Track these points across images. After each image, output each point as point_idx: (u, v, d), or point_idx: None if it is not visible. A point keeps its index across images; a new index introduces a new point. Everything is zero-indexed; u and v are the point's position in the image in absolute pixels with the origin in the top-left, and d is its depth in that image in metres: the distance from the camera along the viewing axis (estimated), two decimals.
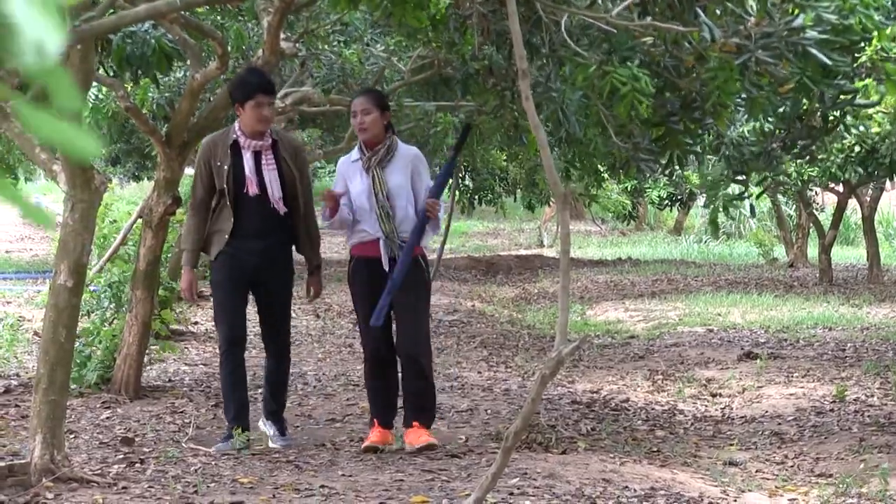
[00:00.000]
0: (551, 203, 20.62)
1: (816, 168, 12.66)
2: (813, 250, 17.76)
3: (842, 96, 5.64)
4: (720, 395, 8.28)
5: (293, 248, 6.13)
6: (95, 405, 6.87)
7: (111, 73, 7.56)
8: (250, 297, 6.17)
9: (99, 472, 5.10)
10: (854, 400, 7.77)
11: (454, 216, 17.43)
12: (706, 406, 7.94)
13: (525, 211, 21.85)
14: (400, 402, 6.10)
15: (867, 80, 6.28)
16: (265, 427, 6.15)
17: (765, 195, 16.83)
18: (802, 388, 8.31)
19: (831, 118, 6.61)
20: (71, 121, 1.02)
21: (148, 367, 7.68)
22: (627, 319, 12.63)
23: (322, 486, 5.06)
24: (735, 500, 5.43)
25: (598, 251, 22.41)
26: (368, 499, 4.86)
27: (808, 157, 7.55)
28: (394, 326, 6.05)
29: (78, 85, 4.95)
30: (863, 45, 5.52)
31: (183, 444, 5.87)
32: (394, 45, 9.08)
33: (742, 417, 7.50)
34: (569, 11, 5.17)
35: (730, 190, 7.67)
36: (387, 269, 5.90)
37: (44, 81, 1.05)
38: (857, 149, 11.84)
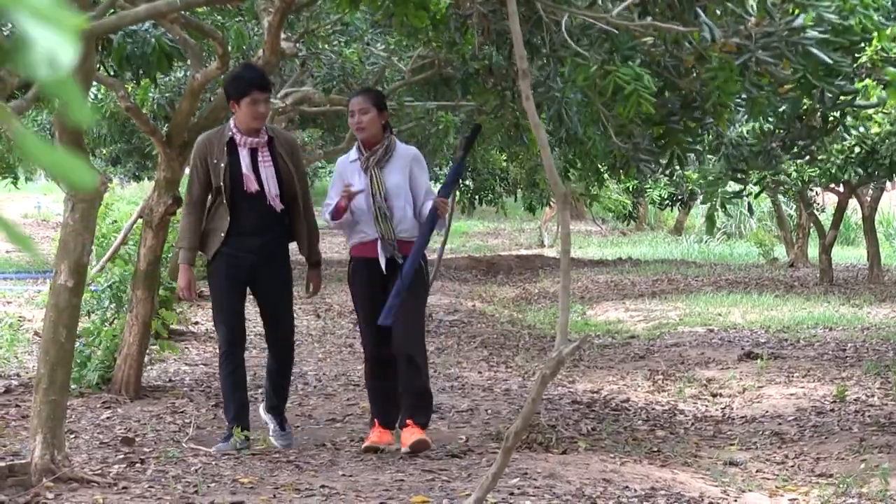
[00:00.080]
0: (552, 203, 20.62)
1: (817, 169, 12.66)
2: (813, 250, 17.76)
3: (842, 97, 5.63)
4: (720, 395, 8.28)
5: (290, 245, 6.12)
6: (96, 405, 6.87)
7: (111, 73, 7.56)
8: (250, 296, 6.16)
9: (99, 472, 5.10)
10: (854, 400, 7.77)
11: (455, 216, 17.43)
12: (706, 406, 7.93)
13: (525, 211, 21.83)
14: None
15: (867, 81, 6.28)
16: (265, 417, 6.15)
17: (765, 195, 16.84)
18: (803, 388, 8.31)
19: (831, 119, 6.61)
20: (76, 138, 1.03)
21: (148, 367, 7.68)
22: (628, 319, 12.62)
23: (322, 486, 5.06)
24: (735, 500, 5.43)
25: (599, 251, 22.41)
26: (369, 499, 4.86)
27: (807, 157, 7.55)
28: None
29: (78, 85, 4.95)
30: (863, 45, 5.52)
31: (183, 444, 5.87)
32: (394, 44, 9.08)
33: (742, 417, 7.50)
34: (569, 11, 5.17)
35: (728, 188, 7.66)
36: (384, 270, 5.89)
37: (56, 94, 1.05)
38: (857, 150, 11.84)
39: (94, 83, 7.83)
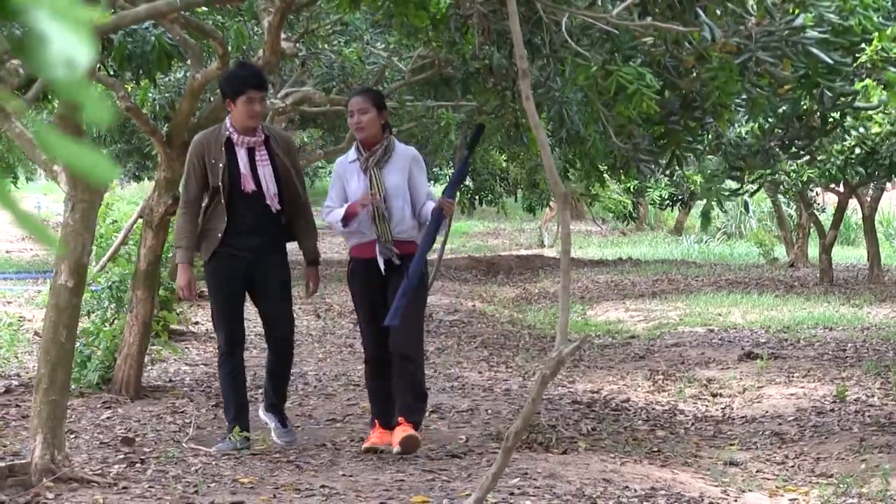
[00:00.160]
0: (552, 204, 20.62)
1: (816, 169, 12.66)
2: (813, 250, 17.75)
3: (841, 98, 5.64)
4: (721, 395, 8.28)
5: (288, 244, 6.09)
6: (96, 405, 6.87)
7: (111, 73, 7.56)
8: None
9: (99, 472, 5.10)
10: (854, 400, 7.77)
11: (455, 216, 17.43)
12: (707, 406, 7.93)
13: (525, 211, 21.85)
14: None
15: (867, 81, 6.29)
16: (265, 417, 6.11)
17: (765, 195, 16.84)
18: (803, 388, 8.31)
19: (831, 119, 6.61)
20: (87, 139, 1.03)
21: (148, 367, 7.68)
22: (628, 319, 12.62)
23: (322, 486, 5.06)
24: (735, 501, 5.43)
25: (599, 251, 22.41)
26: (369, 499, 4.86)
27: (805, 157, 7.56)
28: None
29: None
30: (863, 45, 5.52)
31: (183, 444, 5.87)
32: (394, 43, 9.08)
33: (742, 417, 7.50)
34: (569, 12, 5.17)
35: (726, 185, 7.67)
36: (384, 271, 5.87)
37: (71, 95, 1.05)
38: (857, 150, 11.84)
39: (94, 83, 7.82)
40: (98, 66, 7.15)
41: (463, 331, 11.40)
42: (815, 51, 5.07)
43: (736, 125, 7.12)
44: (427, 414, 6.99)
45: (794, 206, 19.08)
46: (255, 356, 8.43)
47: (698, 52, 5.34)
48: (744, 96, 5.44)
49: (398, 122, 9.71)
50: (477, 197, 19.33)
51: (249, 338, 6.24)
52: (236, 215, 5.89)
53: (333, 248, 20.51)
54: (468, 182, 18.40)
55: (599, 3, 5.25)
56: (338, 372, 8.53)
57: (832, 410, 7.50)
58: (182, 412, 6.80)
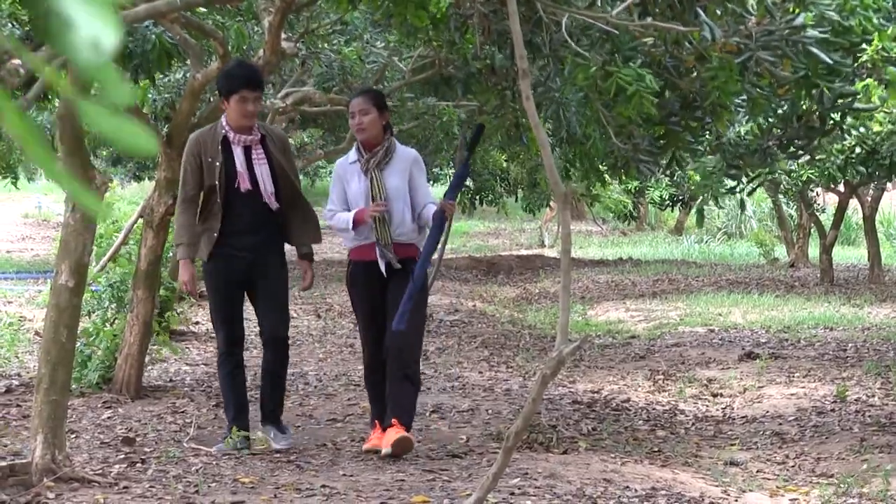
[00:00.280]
0: (552, 204, 20.62)
1: (816, 169, 12.66)
2: (814, 250, 17.75)
3: (841, 98, 5.64)
4: (721, 395, 8.28)
5: (285, 242, 6.04)
6: (96, 405, 6.87)
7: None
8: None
9: (100, 471, 5.10)
10: (855, 400, 7.77)
11: (455, 216, 17.44)
12: (707, 406, 7.94)
13: (526, 211, 21.86)
14: None
15: (868, 80, 6.28)
16: (264, 433, 6.00)
17: (766, 195, 16.83)
18: (803, 388, 8.32)
19: (830, 121, 6.61)
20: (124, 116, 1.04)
21: (149, 367, 7.68)
22: (628, 319, 12.63)
23: (323, 486, 5.06)
24: (736, 501, 5.43)
25: (599, 251, 22.41)
26: (370, 498, 4.86)
27: (804, 157, 7.55)
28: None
29: (79, 87, 4.95)
30: (863, 45, 5.52)
31: (184, 444, 5.87)
32: (394, 42, 9.08)
33: (743, 417, 7.50)
34: (569, 12, 5.17)
35: (723, 183, 7.66)
36: (385, 274, 5.85)
37: (95, 78, 1.06)
38: (857, 150, 11.84)
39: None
40: None
41: (463, 331, 11.40)
42: (815, 50, 5.07)
43: (736, 124, 7.12)
44: (427, 414, 6.99)
45: (795, 207, 19.08)
46: (256, 356, 8.42)
47: (698, 52, 5.34)
48: (744, 96, 5.44)
49: (398, 121, 9.71)
50: (477, 197, 19.33)
51: (249, 337, 6.21)
52: (233, 214, 5.87)
53: (334, 247, 20.51)
54: (468, 182, 18.40)
55: (599, 4, 5.25)
56: (338, 372, 8.53)
57: (833, 410, 7.50)
58: (182, 412, 6.80)
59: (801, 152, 6.79)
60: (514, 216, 28.19)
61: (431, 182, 21.48)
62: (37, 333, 8.95)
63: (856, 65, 5.66)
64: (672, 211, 24.93)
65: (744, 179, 7.73)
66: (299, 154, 16.28)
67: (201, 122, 6.94)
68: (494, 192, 19.45)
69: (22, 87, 5.99)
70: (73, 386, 6.51)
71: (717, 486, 5.66)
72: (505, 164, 18.92)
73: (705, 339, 10.85)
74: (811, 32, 5.07)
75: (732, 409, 7.81)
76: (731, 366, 9.30)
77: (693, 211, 25.16)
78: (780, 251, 19.68)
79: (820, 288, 14.90)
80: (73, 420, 6.32)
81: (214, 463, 5.50)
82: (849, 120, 6.71)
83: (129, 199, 16.36)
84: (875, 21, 5.30)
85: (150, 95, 10.14)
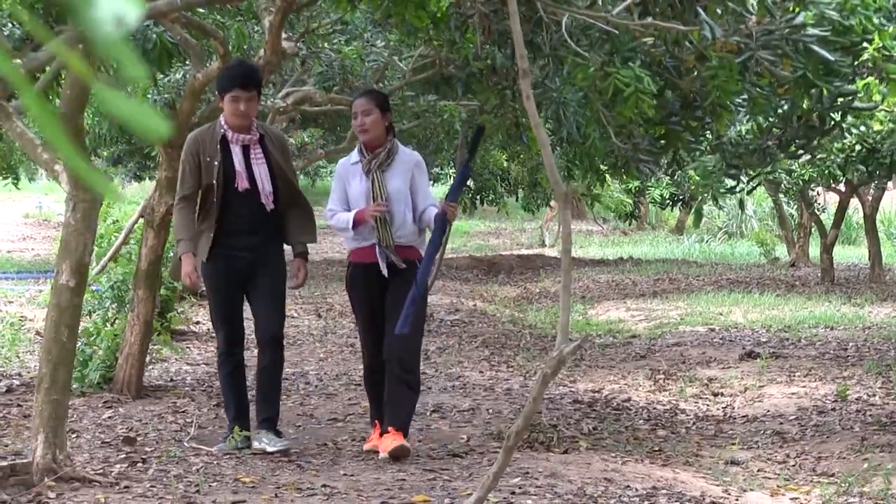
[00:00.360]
0: (552, 204, 20.62)
1: (816, 168, 12.66)
2: (815, 250, 17.75)
3: (840, 98, 5.64)
4: (722, 394, 8.28)
5: (284, 241, 6.01)
6: (97, 405, 6.87)
7: (112, 73, 7.56)
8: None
9: (101, 471, 5.10)
10: (856, 399, 7.77)
11: (456, 217, 17.43)
12: (708, 405, 7.94)
13: (525, 211, 21.87)
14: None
15: (869, 79, 6.28)
16: (258, 440, 5.81)
17: (766, 195, 16.82)
18: (804, 387, 8.32)
19: (830, 120, 6.61)
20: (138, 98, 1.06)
21: (150, 367, 7.68)
22: (629, 319, 12.63)
23: (324, 486, 5.06)
24: (737, 500, 5.43)
25: (600, 250, 22.40)
26: (370, 498, 4.86)
27: (804, 157, 7.55)
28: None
29: (80, 86, 4.95)
30: (864, 45, 5.53)
31: (185, 444, 5.87)
32: (395, 41, 9.08)
33: (744, 417, 7.50)
34: (569, 11, 5.17)
35: (723, 183, 7.65)
36: (385, 275, 5.83)
37: (111, 53, 1.06)
38: (857, 148, 11.84)
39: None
40: (99, 66, 7.15)
41: (464, 330, 11.41)
42: (815, 48, 5.07)
43: (736, 123, 7.12)
44: (428, 413, 6.99)
45: (796, 206, 19.08)
46: (256, 355, 8.42)
47: (699, 52, 5.34)
48: (744, 96, 5.44)
49: (398, 120, 9.71)
50: (478, 196, 19.33)
51: (249, 337, 6.18)
52: (232, 213, 5.85)
53: (334, 247, 20.51)
54: (469, 182, 18.41)
55: (600, 3, 5.25)
56: (339, 371, 8.53)
57: (833, 410, 7.50)
58: (183, 412, 6.81)
59: (800, 152, 6.79)
60: (514, 216, 28.19)
61: (432, 182, 21.44)
62: (38, 333, 8.95)
63: (857, 63, 5.66)
64: (673, 210, 24.91)
65: (744, 179, 7.73)
66: (300, 154, 16.28)
67: (201, 121, 6.95)
68: (495, 191, 19.45)
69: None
70: (74, 385, 6.51)
71: (717, 485, 5.66)
72: (506, 164, 18.92)
73: (706, 339, 10.85)
74: (811, 31, 5.07)
75: (733, 408, 7.81)
76: (732, 365, 9.30)
77: (693, 210, 25.18)
78: (781, 250, 19.68)
79: (821, 287, 14.90)
80: (74, 420, 6.33)
81: (215, 462, 5.50)
82: (849, 119, 6.70)
83: (129, 198, 16.37)
84: (875, 20, 5.31)
85: (149, 96, 10.15)
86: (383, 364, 5.87)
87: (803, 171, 13.20)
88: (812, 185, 15.19)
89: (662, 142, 6.05)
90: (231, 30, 7.88)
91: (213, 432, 6.27)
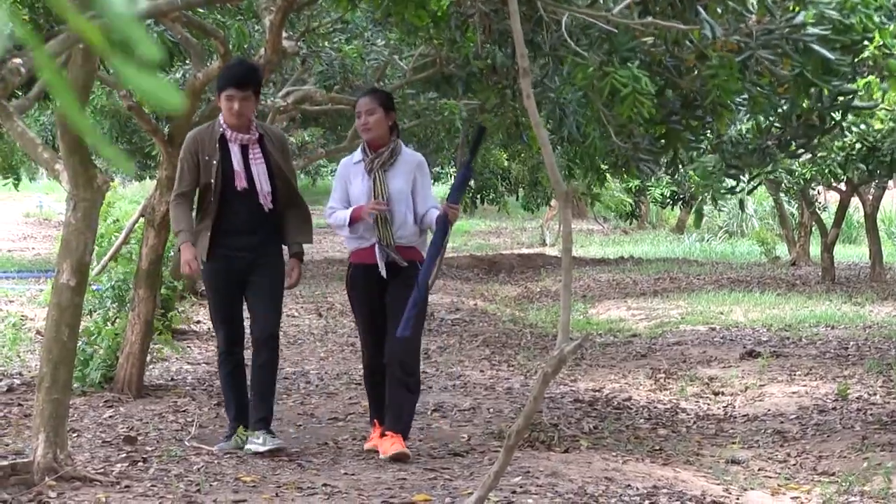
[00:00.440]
0: (553, 203, 20.62)
1: (817, 166, 12.65)
2: (815, 248, 17.75)
3: (840, 97, 5.63)
4: (722, 393, 8.28)
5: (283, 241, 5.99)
6: (98, 404, 6.87)
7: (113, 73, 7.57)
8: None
9: (102, 470, 5.10)
10: (857, 398, 7.77)
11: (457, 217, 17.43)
12: (708, 404, 7.94)
13: (525, 210, 21.88)
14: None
15: (869, 78, 6.28)
16: (253, 446, 5.71)
17: (767, 194, 16.81)
18: (805, 386, 8.32)
19: (830, 119, 6.61)
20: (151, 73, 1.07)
21: (150, 366, 7.68)
22: (630, 318, 12.63)
23: (325, 485, 5.06)
24: (738, 499, 5.43)
25: (601, 250, 22.40)
26: (371, 497, 4.86)
27: (803, 156, 7.55)
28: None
29: (80, 85, 4.95)
30: (864, 43, 5.52)
31: (186, 443, 5.87)
32: (395, 40, 9.08)
33: (744, 416, 7.50)
34: (569, 10, 5.17)
35: (723, 183, 7.64)
36: (384, 275, 5.82)
37: (123, 32, 1.06)
38: (858, 146, 11.83)
39: (97, 82, 7.84)
40: (99, 66, 7.15)
41: (465, 329, 11.41)
42: (815, 48, 5.07)
43: (737, 122, 7.11)
44: (429, 412, 7.00)
45: (796, 205, 19.08)
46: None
47: (699, 51, 5.34)
48: (744, 95, 5.44)
49: (399, 119, 9.71)
50: (479, 196, 19.34)
51: (249, 336, 6.17)
52: (230, 213, 5.84)
53: (335, 246, 20.51)
54: (470, 182, 18.41)
55: (601, 2, 5.25)
56: (339, 370, 8.53)
57: (834, 409, 7.50)
58: (184, 411, 6.81)
59: (801, 151, 6.79)
60: (515, 215, 28.19)
61: (433, 181, 21.46)
62: (38, 332, 8.95)
63: (857, 60, 5.65)
64: (673, 209, 24.92)
65: (744, 178, 7.71)
66: (300, 153, 16.28)
67: (202, 121, 6.95)
68: (496, 190, 19.46)
69: (22, 87, 5.99)
70: (75, 385, 6.52)
71: (718, 484, 5.66)
72: (506, 163, 18.92)
73: (707, 338, 10.85)
74: (811, 31, 5.07)
75: (734, 407, 7.81)
76: (733, 364, 9.30)
77: (693, 210, 25.17)
78: (782, 249, 19.68)
79: (821, 286, 14.90)
80: (75, 419, 6.33)
81: (216, 462, 5.50)
82: (850, 117, 6.70)
83: (130, 198, 16.36)
84: (876, 19, 5.31)
85: None
86: (383, 364, 5.87)
87: (804, 170, 13.20)
88: (813, 184, 15.19)
89: (663, 141, 6.05)
90: (231, 29, 7.88)
91: (214, 431, 6.27)
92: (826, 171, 12.45)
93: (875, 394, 7.91)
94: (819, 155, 11.81)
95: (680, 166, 6.36)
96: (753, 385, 8.42)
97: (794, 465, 6.25)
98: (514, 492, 4.94)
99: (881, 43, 5.57)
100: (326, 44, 9.44)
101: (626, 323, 12.25)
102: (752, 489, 5.65)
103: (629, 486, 5.23)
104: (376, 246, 5.81)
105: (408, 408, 5.86)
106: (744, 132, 7.06)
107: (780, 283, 15.30)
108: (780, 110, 6.36)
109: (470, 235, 26.33)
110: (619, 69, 5.07)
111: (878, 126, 11.27)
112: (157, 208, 7.02)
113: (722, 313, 12.51)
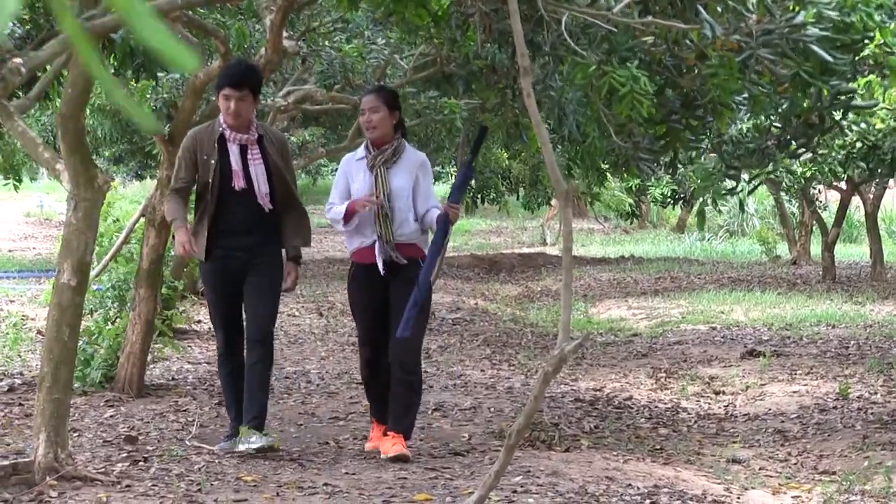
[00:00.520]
0: (553, 202, 20.62)
1: (818, 165, 12.65)
2: (816, 248, 17.75)
3: (839, 96, 5.63)
4: (723, 392, 8.28)
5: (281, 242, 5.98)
6: (99, 403, 6.87)
7: (113, 72, 7.57)
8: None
9: (103, 470, 5.11)
10: (857, 397, 7.77)
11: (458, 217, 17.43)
12: (709, 404, 7.94)
13: (525, 209, 21.87)
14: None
15: (870, 77, 6.28)
16: (244, 446, 5.65)
17: (768, 193, 16.81)
18: (806, 385, 8.32)
19: (830, 119, 6.61)
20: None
21: (151, 366, 7.68)
22: (630, 317, 12.63)
23: (326, 484, 5.06)
24: (738, 498, 5.43)
25: (601, 249, 22.41)
26: (372, 496, 4.87)
27: (803, 156, 7.54)
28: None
29: (81, 85, 4.95)
30: (865, 42, 5.53)
31: (186, 443, 5.87)
32: (395, 40, 9.08)
33: (745, 415, 7.50)
34: (569, 10, 5.17)
35: (722, 184, 7.65)
36: (383, 272, 5.81)
37: (125, 13, 1.07)
38: (858, 145, 11.83)
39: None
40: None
41: (465, 329, 11.41)
42: (815, 48, 5.07)
43: (737, 122, 7.12)
44: (430, 412, 7.00)
45: (797, 204, 19.07)
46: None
47: (699, 50, 5.34)
48: (744, 94, 5.44)
49: None
50: (479, 195, 19.34)
51: None
52: (228, 213, 5.83)
53: (336, 246, 20.51)
54: (471, 181, 18.41)
55: (602, 1, 5.25)
56: (340, 370, 8.53)
57: (835, 408, 7.50)
58: (185, 410, 6.81)
59: (801, 151, 6.79)
60: (515, 214, 28.21)
61: (433, 181, 21.47)
62: (39, 332, 8.96)
63: (857, 59, 5.65)
64: (673, 209, 24.93)
65: (745, 178, 7.74)
66: (300, 152, 16.28)
67: (202, 120, 6.95)
68: (496, 190, 19.46)
69: (23, 87, 5.99)
70: (76, 384, 6.52)
71: (719, 483, 5.66)
72: (507, 163, 18.93)
73: (707, 337, 10.85)
74: (811, 30, 5.07)
75: (735, 406, 7.82)
76: (734, 363, 9.30)
77: (694, 209, 25.18)
78: (782, 249, 19.68)
79: (822, 285, 14.90)
80: (76, 419, 6.33)
81: (217, 461, 5.51)
82: (850, 116, 6.71)
83: (130, 197, 16.37)
84: (876, 17, 5.31)
85: (147, 97, 10.16)
86: (382, 364, 5.87)
87: (805, 169, 13.20)
88: (813, 183, 15.19)
89: (663, 141, 6.05)
90: (232, 29, 7.89)
91: (215, 431, 6.27)
92: (827, 169, 12.45)
93: (876, 393, 7.91)
94: (820, 154, 11.81)
95: (680, 166, 6.35)
96: (754, 384, 8.42)
97: (795, 464, 6.25)
98: (514, 491, 4.94)
99: (882, 41, 5.57)
100: (327, 43, 9.44)
101: (627, 322, 12.25)
102: (752, 488, 5.65)
103: (630, 485, 5.23)
104: (376, 243, 5.81)
105: (410, 408, 5.86)
106: (744, 132, 7.07)
107: (780, 283, 15.30)
108: (780, 110, 6.37)
109: (470, 235, 26.33)
110: (618, 69, 5.07)
111: (878, 125, 11.27)
112: (158, 208, 7.02)
113: (723, 312, 12.52)
